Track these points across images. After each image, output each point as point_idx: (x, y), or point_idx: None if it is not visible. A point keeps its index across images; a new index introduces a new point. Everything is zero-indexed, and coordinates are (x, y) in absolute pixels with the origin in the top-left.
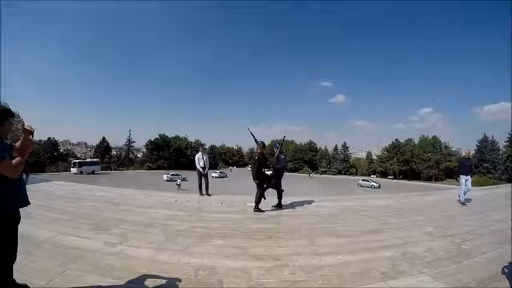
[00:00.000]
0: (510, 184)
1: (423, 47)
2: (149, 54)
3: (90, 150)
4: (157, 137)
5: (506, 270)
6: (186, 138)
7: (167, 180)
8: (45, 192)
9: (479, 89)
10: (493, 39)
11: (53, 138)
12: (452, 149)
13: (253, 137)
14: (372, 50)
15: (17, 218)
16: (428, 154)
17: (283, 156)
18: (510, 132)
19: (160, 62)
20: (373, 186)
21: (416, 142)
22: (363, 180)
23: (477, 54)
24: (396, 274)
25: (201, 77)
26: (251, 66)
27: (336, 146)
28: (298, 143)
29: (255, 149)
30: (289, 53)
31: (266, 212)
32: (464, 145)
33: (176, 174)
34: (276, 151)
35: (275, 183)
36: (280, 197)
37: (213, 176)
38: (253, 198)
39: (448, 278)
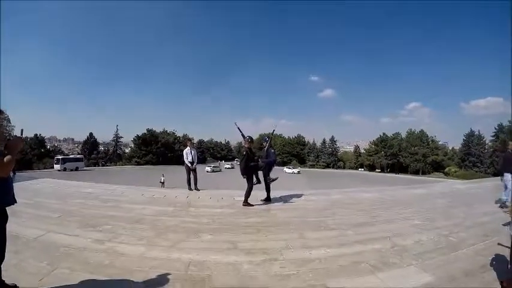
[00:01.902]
0: (497, 177)
1: (411, 42)
2: (138, 50)
3: (77, 146)
4: (145, 131)
5: (493, 262)
6: (174, 133)
7: (209, 172)
8: (32, 190)
9: (467, 84)
10: (482, 34)
11: (40, 134)
12: (439, 142)
13: (241, 132)
14: (360, 46)
15: (4, 217)
16: (416, 148)
17: (272, 150)
18: (496, 127)
19: (149, 57)
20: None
21: (404, 136)
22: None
23: (465, 49)
24: (385, 266)
25: (189, 72)
26: (240, 61)
27: (324, 139)
28: (287, 137)
29: (242, 143)
30: (278, 49)
31: (255, 206)
32: (451, 139)
33: (216, 166)
34: (266, 145)
35: (264, 173)
36: (268, 191)
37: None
38: (242, 192)
39: (436, 269)
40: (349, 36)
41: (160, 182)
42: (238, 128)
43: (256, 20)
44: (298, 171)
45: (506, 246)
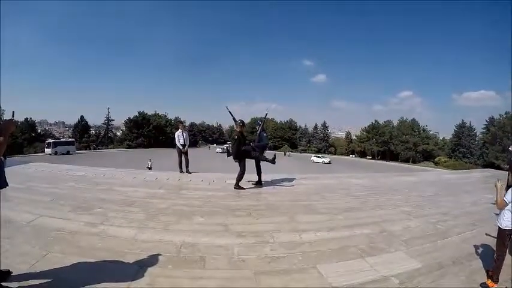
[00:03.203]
0: (486, 169)
1: (404, 30)
2: (130, 35)
3: (68, 130)
4: (137, 114)
5: (480, 251)
6: (165, 116)
7: (219, 152)
8: (23, 174)
9: (460, 75)
10: (477, 26)
11: (30, 118)
12: (430, 132)
13: (232, 115)
14: (355, 32)
15: None
16: (407, 136)
17: (265, 134)
18: (487, 120)
19: (140, 40)
20: (323, 162)
21: (395, 124)
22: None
23: (460, 40)
24: (374, 251)
25: (182, 55)
26: (232, 44)
27: (316, 124)
28: (278, 121)
29: (234, 127)
30: (271, 32)
31: (247, 189)
32: (442, 129)
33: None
34: (258, 128)
35: (256, 157)
36: (259, 174)
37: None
38: (234, 175)
39: (424, 255)
40: (344, 22)
41: (147, 168)
42: (230, 112)
43: (251, 2)
44: (329, 161)
45: (493, 237)
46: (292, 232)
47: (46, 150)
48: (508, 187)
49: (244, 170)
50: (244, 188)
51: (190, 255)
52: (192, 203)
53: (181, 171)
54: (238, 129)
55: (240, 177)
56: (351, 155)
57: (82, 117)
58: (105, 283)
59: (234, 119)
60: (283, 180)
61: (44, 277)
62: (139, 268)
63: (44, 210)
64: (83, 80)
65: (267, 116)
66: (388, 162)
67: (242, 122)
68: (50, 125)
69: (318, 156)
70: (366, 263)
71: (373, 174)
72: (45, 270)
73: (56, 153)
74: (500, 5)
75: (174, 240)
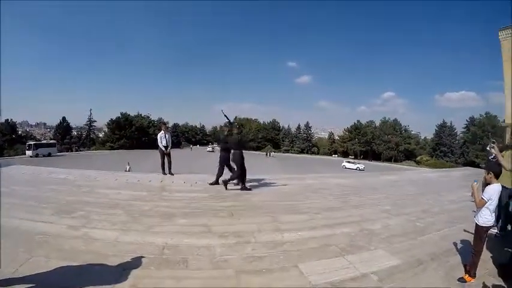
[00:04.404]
0: (466, 167)
1: (388, 32)
2: (113, 34)
3: (50, 131)
4: (119, 115)
5: (458, 247)
6: (148, 117)
7: (209, 151)
8: (4, 177)
9: (442, 76)
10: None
11: (11, 120)
12: (412, 132)
13: (227, 118)
14: (339, 34)
15: None
16: (389, 136)
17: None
18: (468, 120)
19: (124, 40)
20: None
21: (378, 124)
22: (347, 162)
23: (443, 43)
24: (354, 249)
25: (164, 55)
26: (216, 44)
27: (299, 125)
28: (262, 122)
29: (218, 128)
30: (255, 34)
31: (229, 190)
32: (424, 129)
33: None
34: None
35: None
36: (229, 171)
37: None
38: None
39: (403, 253)
40: (328, 24)
41: (126, 171)
42: (225, 115)
43: (234, 3)
44: (364, 168)
45: (471, 233)
46: (273, 232)
47: (27, 152)
48: (485, 185)
49: (244, 169)
50: (250, 189)
51: (173, 256)
52: (175, 204)
53: (164, 173)
54: (235, 131)
55: (236, 175)
56: (333, 155)
57: (64, 118)
58: (90, 286)
59: (229, 121)
60: (265, 180)
61: (28, 281)
62: (122, 270)
63: (26, 214)
64: (64, 80)
65: (250, 117)
66: (370, 162)
67: (237, 125)
68: (31, 126)
69: (351, 162)
70: (346, 260)
71: (354, 174)
72: (30, 275)
73: (37, 156)
74: (480, 6)
75: (157, 241)
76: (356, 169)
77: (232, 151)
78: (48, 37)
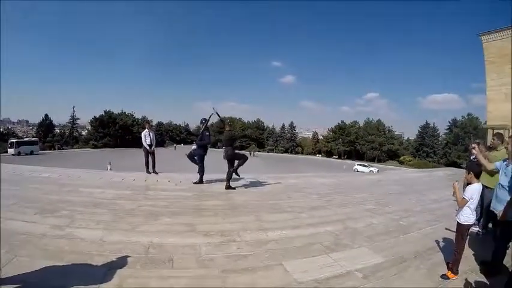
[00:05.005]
0: (448, 168)
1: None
2: (95, 32)
3: (32, 129)
4: (103, 113)
5: (441, 245)
6: (132, 115)
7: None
8: None
9: (425, 78)
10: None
11: None
12: (396, 132)
13: (219, 116)
14: (323, 35)
15: None
16: (372, 136)
17: (207, 133)
18: (450, 121)
19: (108, 37)
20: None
21: (362, 124)
22: (359, 165)
23: (428, 43)
24: (338, 247)
25: (148, 54)
26: (199, 43)
27: (283, 124)
28: (246, 121)
29: (201, 127)
30: (239, 32)
31: (213, 189)
32: (407, 130)
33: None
34: (202, 127)
35: (199, 159)
36: (202, 172)
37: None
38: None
39: (387, 250)
40: (311, 23)
41: (107, 171)
42: (217, 112)
43: (220, 4)
44: (378, 171)
45: (452, 231)
46: (258, 231)
47: (9, 150)
48: (466, 185)
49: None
50: (234, 188)
51: (158, 256)
52: (159, 203)
53: (148, 172)
54: (227, 128)
55: (231, 175)
56: (317, 155)
57: (46, 115)
58: (75, 286)
59: (221, 119)
60: (249, 180)
61: (11, 282)
62: (107, 270)
63: (9, 213)
64: (46, 79)
65: (234, 115)
66: (353, 162)
67: (229, 122)
68: (13, 123)
69: (364, 165)
70: (330, 258)
71: (338, 174)
72: (14, 275)
73: (19, 154)
74: (463, 8)
75: (142, 241)
76: (370, 172)
77: (224, 148)
78: (31, 35)
